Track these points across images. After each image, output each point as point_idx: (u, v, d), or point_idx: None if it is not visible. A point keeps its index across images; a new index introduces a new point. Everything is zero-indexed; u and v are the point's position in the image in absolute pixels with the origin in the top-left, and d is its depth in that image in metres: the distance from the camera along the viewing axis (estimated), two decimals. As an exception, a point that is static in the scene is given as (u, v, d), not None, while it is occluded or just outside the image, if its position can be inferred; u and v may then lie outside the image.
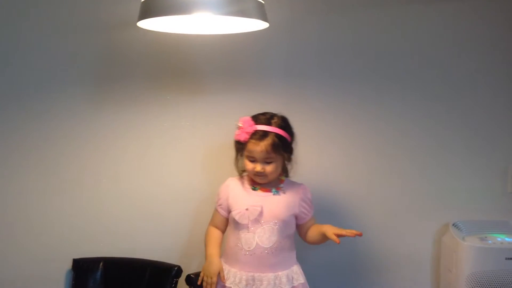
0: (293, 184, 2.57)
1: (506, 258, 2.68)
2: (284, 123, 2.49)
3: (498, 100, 2.89)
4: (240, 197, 2.52)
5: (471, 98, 2.88)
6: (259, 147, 2.43)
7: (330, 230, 2.46)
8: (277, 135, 2.44)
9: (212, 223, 2.60)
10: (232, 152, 2.55)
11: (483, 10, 2.85)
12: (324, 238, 2.50)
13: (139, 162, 2.80)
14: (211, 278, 2.48)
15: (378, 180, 2.89)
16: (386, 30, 2.84)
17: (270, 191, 2.52)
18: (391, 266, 2.90)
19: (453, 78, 2.87)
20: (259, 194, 2.51)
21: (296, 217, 2.54)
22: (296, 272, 2.52)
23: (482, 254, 2.69)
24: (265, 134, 2.43)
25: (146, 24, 2.15)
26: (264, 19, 2.15)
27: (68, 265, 2.75)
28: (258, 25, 2.21)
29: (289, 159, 2.53)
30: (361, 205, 2.89)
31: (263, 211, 2.47)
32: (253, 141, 2.44)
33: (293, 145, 2.52)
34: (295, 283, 2.50)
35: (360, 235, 2.41)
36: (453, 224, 2.82)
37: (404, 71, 2.86)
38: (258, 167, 2.45)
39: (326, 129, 2.86)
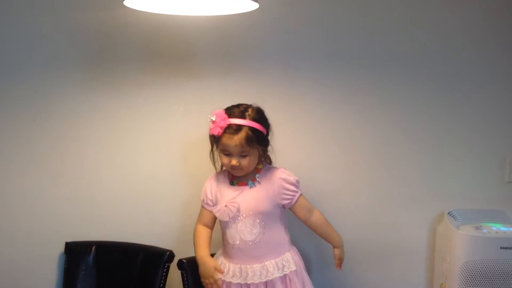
0: (270, 171, 2.53)
1: (501, 248, 2.65)
2: (259, 115, 2.46)
3: (496, 89, 2.85)
4: (220, 193, 2.53)
5: (468, 86, 2.85)
6: (233, 141, 2.40)
7: (338, 254, 2.59)
8: (251, 128, 2.42)
9: (200, 220, 2.59)
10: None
11: (479, 6, 2.82)
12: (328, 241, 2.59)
13: (131, 146, 2.80)
14: (212, 277, 2.47)
15: (373, 169, 2.87)
16: (382, 17, 2.81)
17: (246, 184, 2.50)
18: (386, 255, 2.88)
19: (448, 68, 2.84)
20: (237, 189, 2.50)
21: (280, 204, 2.52)
22: (288, 260, 2.50)
23: (477, 243, 2.66)
24: (238, 128, 2.41)
25: (134, 3, 2.16)
26: (254, -1, 2.14)
27: (61, 248, 2.75)
28: (247, 5, 2.21)
29: (265, 151, 2.51)
30: (356, 194, 2.88)
31: (240, 207, 2.46)
32: (227, 135, 2.41)
33: (269, 137, 2.51)
34: (286, 271, 2.48)
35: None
36: (448, 213, 2.79)
37: (398, 61, 2.83)
38: (234, 161, 2.44)
39: (320, 114, 2.84)
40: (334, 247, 2.60)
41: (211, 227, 2.58)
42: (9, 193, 2.75)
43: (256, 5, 2.19)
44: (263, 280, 2.45)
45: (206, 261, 2.49)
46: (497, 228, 2.71)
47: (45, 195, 2.77)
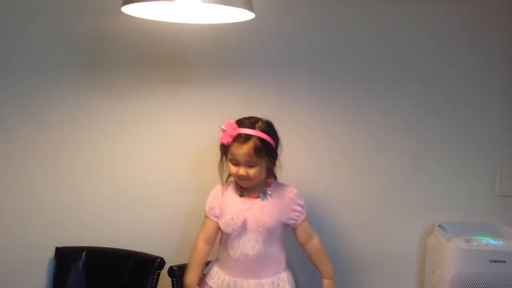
0: (281, 187, 2.55)
1: (491, 261, 2.66)
2: (268, 127, 2.48)
3: (487, 102, 2.87)
4: (227, 205, 2.52)
5: (460, 99, 2.86)
6: (242, 150, 2.41)
7: (327, 286, 2.57)
8: (260, 138, 2.43)
9: (202, 234, 2.54)
10: (218, 144, 2.53)
11: (474, 12, 2.83)
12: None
13: (125, 152, 2.80)
14: None
15: (365, 180, 2.88)
16: (379, 24, 2.83)
17: (258, 197, 2.50)
18: (376, 266, 2.89)
19: (442, 80, 2.85)
20: (246, 202, 2.50)
21: (286, 223, 2.52)
22: (283, 280, 2.50)
23: (467, 255, 2.66)
24: (248, 137, 2.42)
25: (131, 10, 2.16)
26: (250, 9, 2.15)
27: (51, 253, 2.75)
28: (244, 15, 2.21)
29: (273, 164, 2.51)
30: (348, 204, 2.88)
31: (247, 220, 2.46)
32: (236, 144, 2.42)
33: (278, 150, 2.51)
34: None
35: None
36: (439, 225, 2.80)
37: (395, 72, 2.85)
38: (241, 171, 2.44)
39: (315, 124, 2.85)
40: (324, 277, 2.58)
41: (212, 243, 2.56)
42: (0, 196, 2.74)
43: (252, 15, 2.20)
44: None
45: None
46: (487, 241, 2.72)
47: (36, 199, 2.76)
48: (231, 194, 2.53)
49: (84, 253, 2.74)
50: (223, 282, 2.48)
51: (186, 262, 2.63)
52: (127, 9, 2.13)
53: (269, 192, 2.51)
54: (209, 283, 2.51)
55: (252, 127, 2.44)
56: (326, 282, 2.58)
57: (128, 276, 2.69)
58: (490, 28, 2.84)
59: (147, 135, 2.80)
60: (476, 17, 2.83)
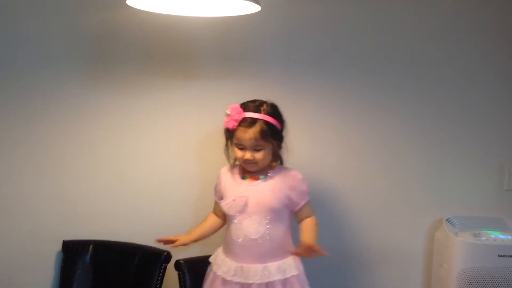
0: (285, 170, 2.53)
1: (499, 255, 2.65)
2: (273, 110, 2.47)
3: (494, 97, 2.86)
4: (230, 187, 2.52)
5: (467, 94, 2.86)
6: (248, 135, 2.41)
7: (303, 246, 2.44)
8: (266, 122, 2.42)
9: (214, 210, 2.61)
10: (224, 139, 2.54)
11: (479, 10, 2.83)
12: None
13: (131, 146, 2.80)
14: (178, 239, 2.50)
15: (372, 174, 2.88)
16: (383, 19, 2.82)
17: (258, 178, 2.50)
18: (383, 260, 2.88)
19: (448, 75, 2.85)
20: (248, 184, 2.49)
21: (287, 205, 2.51)
22: (290, 264, 2.47)
23: (475, 250, 2.66)
24: (253, 121, 2.41)
25: (136, 2, 2.16)
26: (256, 1, 2.15)
27: (58, 246, 2.75)
28: (250, 7, 2.21)
29: (279, 147, 2.50)
30: (355, 198, 2.88)
31: (248, 202, 2.45)
32: (241, 128, 2.42)
33: (284, 133, 2.50)
34: (288, 275, 2.45)
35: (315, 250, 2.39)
36: (446, 220, 2.80)
37: (400, 68, 2.85)
38: (247, 155, 2.43)
39: (321, 119, 2.84)
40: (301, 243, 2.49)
41: (222, 219, 2.57)
42: (7, 191, 2.75)
43: (258, 8, 2.20)
44: (264, 281, 2.43)
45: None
46: (495, 236, 2.71)
47: (43, 193, 2.77)
48: (235, 177, 2.52)
49: (91, 247, 2.74)
50: (229, 269, 2.46)
51: (193, 256, 2.63)
52: (132, 2, 2.14)
53: (270, 174, 2.49)
54: (218, 272, 2.49)
55: (257, 110, 2.43)
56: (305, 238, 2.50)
57: (134, 270, 2.69)
58: (496, 25, 2.83)
59: (152, 129, 2.80)
60: (480, 14, 2.83)
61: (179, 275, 2.63)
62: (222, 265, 2.50)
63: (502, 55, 2.84)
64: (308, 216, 2.54)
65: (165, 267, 2.67)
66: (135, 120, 2.80)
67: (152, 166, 2.81)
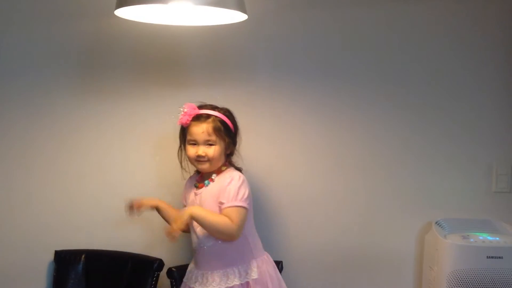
0: (229, 172, 2.46)
1: (488, 257, 2.67)
2: (229, 113, 2.49)
3: (483, 99, 2.88)
4: (187, 195, 2.55)
5: (455, 97, 2.87)
6: (201, 128, 2.41)
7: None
8: (220, 119, 2.44)
9: None
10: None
11: (472, 13, 2.85)
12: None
13: (121, 154, 2.81)
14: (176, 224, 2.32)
15: (362, 177, 2.89)
16: (374, 24, 2.84)
17: (204, 185, 2.49)
18: (373, 263, 2.89)
19: (437, 76, 2.87)
20: (197, 191, 2.49)
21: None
22: (251, 268, 2.45)
23: (464, 252, 2.68)
24: (208, 116, 2.44)
25: (124, 13, 2.17)
26: (243, 10, 2.17)
27: (50, 256, 2.76)
28: (236, 16, 2.23)
29: (232, 150, 2.49)
30: (344, 202, 2.89)
31: None
32: (195, 123, 2.43)
33: (237, 138, 2.50)
34: (248, 278, 2.43)
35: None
36: (436, 222, 2.81)
37: (389, 68, 2.86)
38: (200, 150, 2.42)
39: (310, 124, 2.85)
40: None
41: None
42: (-2, 201, 2.76)
43: (245, 16, 2.22)
44: (223, 287, 2.41)
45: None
46: (484, 238, 2.73)
47: (34, 202, 2.77)
48: (192, 184, 2.54)
49: (83, 256, 2.75)
50: (192, 275, 2.48)
51: (185, 263, 2.65)
52: (121, 12, 2.15)
53: (213, 178, 2.47)
54: (185, 279, 2.52)
55: (213, 109, 2.46)
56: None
57: (127, 278, 2.70)
58: (487, 27, 2.85)
59: (143, 137, 2.81)
60: (474, 16, 2.85)
61: (171, 283, 2.65)
62: (189, 272, 2.53)
63: (493, 58, 2.86)
64: (228, 217, 2.37)
65: (158, 275, 2.68)
66: (124, 128, 2.81)
67: (143, 174, 2.82)
